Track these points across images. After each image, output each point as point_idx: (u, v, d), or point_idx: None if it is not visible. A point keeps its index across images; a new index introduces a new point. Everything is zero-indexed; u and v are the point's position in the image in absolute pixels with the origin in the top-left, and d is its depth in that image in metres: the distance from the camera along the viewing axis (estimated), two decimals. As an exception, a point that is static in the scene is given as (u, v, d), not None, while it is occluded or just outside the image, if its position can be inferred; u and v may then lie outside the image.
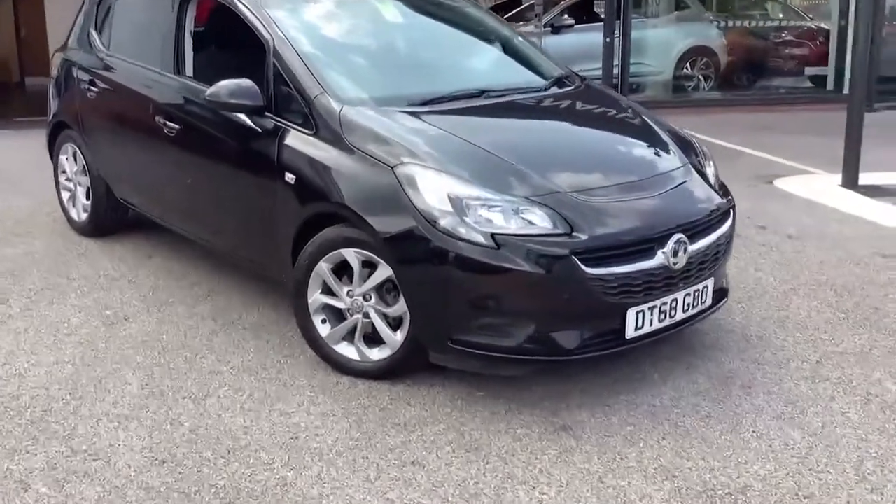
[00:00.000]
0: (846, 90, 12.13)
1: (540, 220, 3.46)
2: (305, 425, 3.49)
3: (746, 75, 14.13)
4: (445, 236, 3.42)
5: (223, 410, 3.60)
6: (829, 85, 12.84)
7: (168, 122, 4.69)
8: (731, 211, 4.01)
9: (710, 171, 4.16)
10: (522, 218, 3.46)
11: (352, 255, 3.73)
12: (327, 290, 3.88)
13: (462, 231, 3.41)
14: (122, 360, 4.06)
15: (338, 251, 3.76)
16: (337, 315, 3.91)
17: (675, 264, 3.59)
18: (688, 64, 13.74)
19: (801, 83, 13.82)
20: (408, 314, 3.65)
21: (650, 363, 3.97)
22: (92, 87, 5.43)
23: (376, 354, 3.82)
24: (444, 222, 3.43)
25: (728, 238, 3.94)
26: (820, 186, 7.39)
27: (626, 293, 3.50)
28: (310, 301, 3.89)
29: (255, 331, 4.36)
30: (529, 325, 3.45)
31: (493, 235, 3.39)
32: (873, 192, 7.21)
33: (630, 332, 3.56)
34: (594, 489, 3.08)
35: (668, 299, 3.63)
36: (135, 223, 5.78)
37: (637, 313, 3.55)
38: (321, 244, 3.80)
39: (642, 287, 3.54)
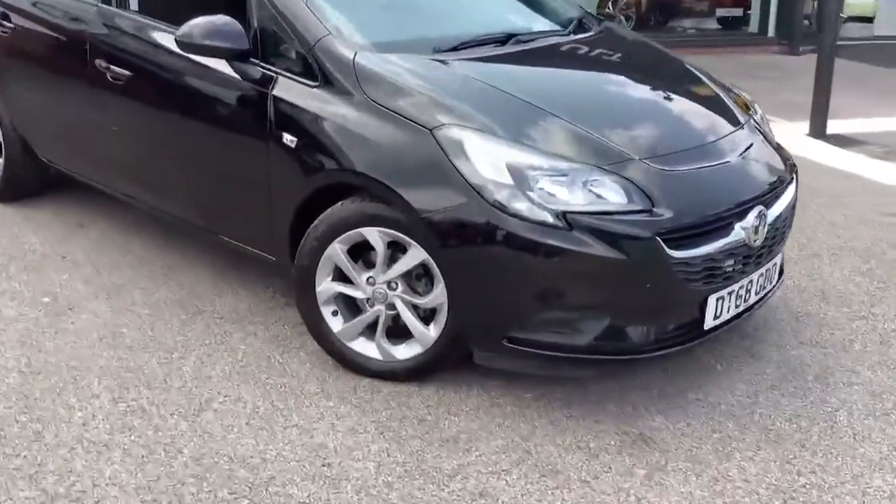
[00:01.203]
0: (771, 32, 11.96)
1: (613, 194, 2.88)
2: (335, 447, 2.85)
3: (668, 16, 13.82)
4: (504, 215, 2.81)
5: (226, 430, 2.93)
6: (754, 27, 12.62)
7: (113, 68, 3.85)
8: (795, 174, 3.52)
9: (766, 128, 3.67)
10: (591, 191, 2.87)
11: (375, 236, 3.07)
12: (340, 277, 3.22)
13: (525, 209, 2.80)
14: (80, 363, 3.30)
15: (357, 230, 3.10)
16: (352, 307, 3.27)
17: (755, 241, 3.09)
18: (609, 4, 13.32)
19: (724, 25, 13.58)
20: (445, 306, 3.03)
21: (704, 350, 3.49)
22: (5, 23, 4.48)
23: (403, 353, 3.20)
24: (501, 198, 2.82)
25: (794, 206, 3.47)
26: (787, 137, 7.05)
27: (709, 278, 2.98)
28: (318, 290, 3.22)
29: (237, 321, 3.66)
30: (603, 320, 2.90)
31: (564, 214, 2.79)
32: (842, 142, 6.94)
33: (709, 322, 3.06)
34: (708, 520, 2.58)
35: (745, 281, 3.14)
36: (55, 184, 4.89)
37: (717, 300, 3.04)
38: (335, 222, 3.12)
39: (723, 269, 3.02)
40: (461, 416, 3.05)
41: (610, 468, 2.79)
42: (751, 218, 3.07)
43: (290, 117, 3.23)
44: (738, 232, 3.04)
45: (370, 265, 3.17)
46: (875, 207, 5.31)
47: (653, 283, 2.87)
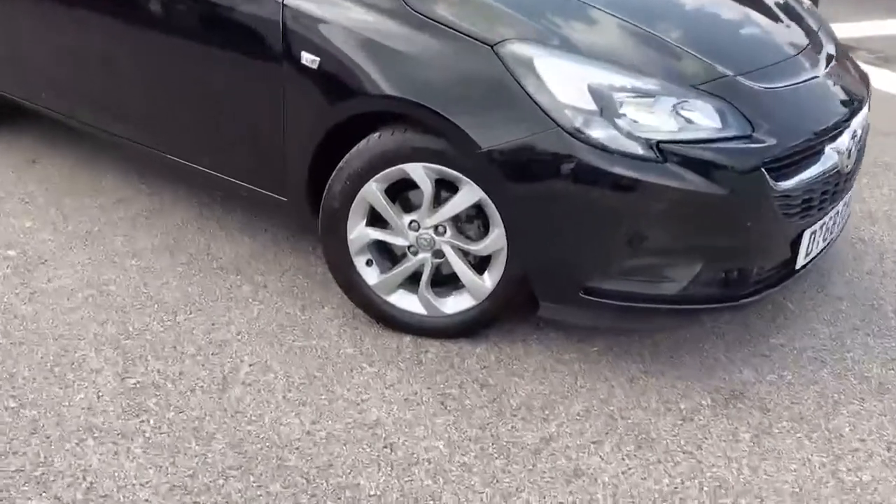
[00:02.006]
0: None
1: (706, 118, 2.47)
2: (393, 423, 2.45)
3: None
4: (586, 147, 2.38)
5: (261, 408, 2.49)
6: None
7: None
8: (869, 88, 3.16)
9: (837, 37, 3.28)
10: (681, 115, 2.46)
11: (421, 173, 2.61)
12: (375, 222, 2.76)
13: (611, 139, 2.38)
14: (69, 331, 2.80)
15: (398, 167, 2.63)
16: (389, 255, 2.82)
17: (847, 166, 2.75)
18: None
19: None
20: (504, 253, 2.62)
21: (769, 286, 3.15)
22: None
23: (452, 306, 2.78)
24: (582, 126, 2.39)
25: (867, 128, 3.12)
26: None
27: (805, 210, 2.63)
28: (351, 237, 2.77)
29: (240, 271, 3.18)
30: (695, 265, 2.52)
31: (657, 144, 2.38)
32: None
33: (801, 260, 2.72)
34: (839, 489, 2.27)
35: (833, 212, 2.79)
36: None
37: (811, 235, 2.70)
38: (372, 158, 2.65)
39: (818, 200, 2.67)
40: (526, 377, 2.66)
41: (710, 433, 2.46)
42: (845, 139, 2.72)
43: (309, 32, 2.70)
44: (832, 156, 2.68)
45: (408, 208, 2.72)
46: (891, 119, 5.03)
47: (753, 220, 2.50)
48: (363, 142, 2.67)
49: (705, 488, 2.26)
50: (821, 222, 2.72)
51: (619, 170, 2.38)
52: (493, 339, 2.83)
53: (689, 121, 2.45)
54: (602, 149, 2.37)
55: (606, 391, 2.62)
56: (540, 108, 2.41)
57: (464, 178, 2.58)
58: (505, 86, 2.44)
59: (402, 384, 2.61)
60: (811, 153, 2.62)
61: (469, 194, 2.59)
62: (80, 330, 2.80)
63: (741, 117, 2.48)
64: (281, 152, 2.91)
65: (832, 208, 2.76)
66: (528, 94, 2.42)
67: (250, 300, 2.99)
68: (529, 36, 2.48)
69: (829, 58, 2.95)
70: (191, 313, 2.91)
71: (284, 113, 2.83)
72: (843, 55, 3.11)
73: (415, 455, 2.33)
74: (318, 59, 2.69)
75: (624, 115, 2.40)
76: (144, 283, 3.07)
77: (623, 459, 2.35)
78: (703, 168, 2.40)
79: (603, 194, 2.41)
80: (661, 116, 2.43)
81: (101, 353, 2.69)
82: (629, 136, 2.38)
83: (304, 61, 2.72)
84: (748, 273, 2.59)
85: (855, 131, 2.77)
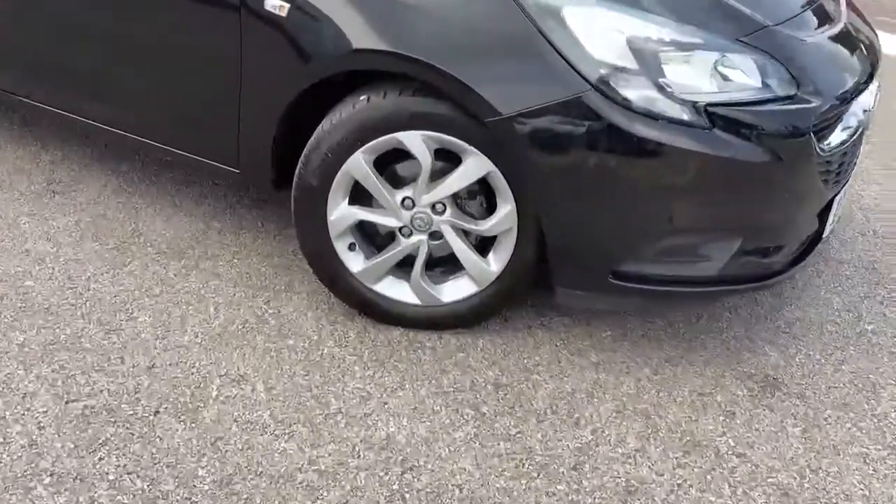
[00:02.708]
0: None
1: (748, 76, 2.16)
2: (406, 439, 2.09)
3: None
4: (625, 111, 2.04)
5: (247, 432, 2.08)
6: None
7: None
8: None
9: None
10: (719, 72, 2.14)
11: (418, 143, 2.22)
12: (359, 199, 2.36)
13: (653, 101, 2.05)
14: (-16, 342, 2.29)
15: (392, 136, 2.23)
16: (373, 238, 2.43)
17: (868, 125, 2.53)
18: None
19: None
20: (514, 233, 2.28)
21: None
22: None
23: (450, 294, 2.42)
24: (622, 88, 2.04)
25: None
26: None
27: (838, 175, 2.39)
28: (331, 219, 2.35)
29: (183, 256, 2.71)
30: (734, 242, 2.24)
31: (705, 108, 2.07)
32: None
33: (826, 229, 2.49)
34: (910, 492, 2.07)
35: (849, 178, 2.57)
36: None
37: (838, 202, 2.47)
38: (360, 125, 2.23)
39: (848, 163, 2.44)
40: (542, 373, 2.35)
41: (757, 430, 2.21)
42: (868, 98, 2.49)
43: (274, -28, 2.24)
44: (858, 114, 2.44)
45: (397, 183, 2.33)
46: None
47: (797, 189, 2.24)
48: (347, 107, 2.25)
49: (771, 498, 2.02)
50: (844, 187, 2.49)
51: (662, 138, 2.05)
52: (494, 330, 2.49)
53: (726, 78, 2.14)
54: (644, 114, 2.04)
55: (633, 385, 2.33)
56: (571, 66, 2.05)
57: (471, 148, 2.20)
58: (528, 40, 2.07)
59: (405, 390, 2.24)
60: (844, 112, 2.37)
61: (476, 167, 2.22)
62: (5, 347, 2.29)
63: (785, 74, 2.18)
64: (234, 117, 2.45)
65: (849, 174, 2.54)
66: (556, 50, 2.05)
67: (203, 292, 2.54)
68: (558, -19, 2.10)
69: (845, 6, 2.70)
70: (133, 313, 2.43)
71: (241, 70, 2.37)
72: (849, 2, 2.87)
73: (442, 482, 1.99)
74: (286, 4, 2.23)
75: (666, 73, 2.06)
76: (69, 277, 2.56)
77: (675, 469, 2.07)
78: (751, 134, 2.10)
79: (643, 166, 2.09)
80: (702, 75, 2.11)
81: (32, 370, 2.20)
82: (673, 98, 2.05)
83: (268, 7, 2.25)
84: (782, 248, 2.34)
85: (878, 85, 2.54)
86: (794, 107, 2.17)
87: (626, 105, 2.04)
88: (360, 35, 2.16)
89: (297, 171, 2.34)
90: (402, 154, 2.27)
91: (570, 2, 2.07)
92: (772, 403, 2.30)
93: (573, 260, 2.25)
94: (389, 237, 2.40)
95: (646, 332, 2.54)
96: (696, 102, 2.06)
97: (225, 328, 2.40)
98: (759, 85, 2.15)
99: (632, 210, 2.14)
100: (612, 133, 2.05)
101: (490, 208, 2.34)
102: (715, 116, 2.07)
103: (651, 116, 2.05)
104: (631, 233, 2.18)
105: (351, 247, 2.41)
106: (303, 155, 2.32)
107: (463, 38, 2.11)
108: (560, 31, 2.05)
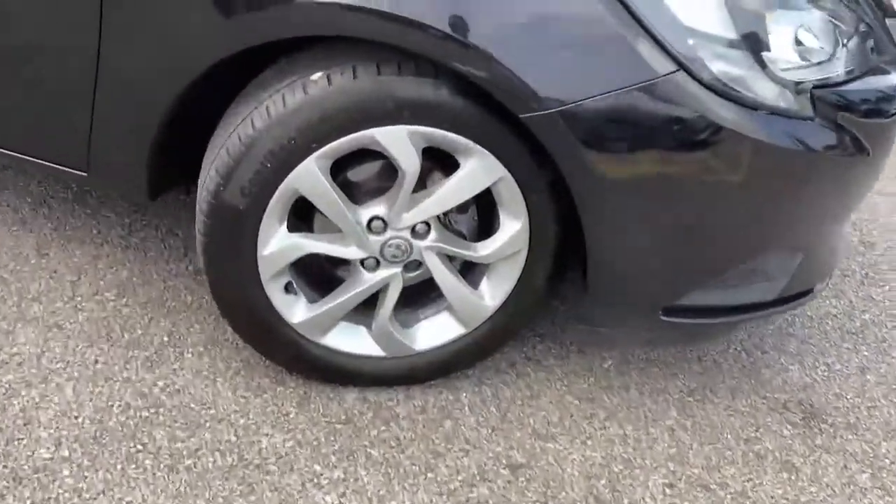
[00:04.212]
0: None
1: (824, 43, 1.62)
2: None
3: None
4: (717, 98, 1.45)
5: None
6: None
7: None
8: None
9: None
10: (797, 38, 1.59)
11: (403, 142, 1.50)
12: (300, 223, 1.61)
13: (757, 84, 1.48)
14: None
15: (365, 132, 1.48)
16: (316, 275, 1.70)
17: None
18: None
19: None
20: (522, 257, 1.65)
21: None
22: None
23: (426, 338, 1.76)
24: (720, 66, 1.44)
25: None
26: None
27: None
28: (265, 252, 1.58)
29: (20, 281, 1.81)
30: (797, 256, 1.75)
31: (811, 93, 1.53)
32: None
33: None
34: None
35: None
36: None
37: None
38: (320, 117, 1.46)
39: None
40: (557, 437, 1.77)
41: (827, 485, 1.78)
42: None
43: None
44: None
45: (354, 198, 1.60)
46: None
47: (866, 186, 1.78)
48: (290, 92, 1.47)
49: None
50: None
51: (764, 132, 1.49)
52: (473, 374, 1.87)
53: (804, 46, 1.59)
54: (742, 101, 1.46)
55: (670, 439, 1.81)
56: (651, 36, 1.40)
57: (479, 148, 1.52)
58: (590, 5, 1.39)
59: (396, 496, 1.57)
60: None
61: (484, 173, 1.55)
62: None
63: (858, 42, 1.67)
64: (87, 100, 1.57)
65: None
66: (631, 15, 1.40)
67: (55, 333, 1.69)
68: None
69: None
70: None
71: (101, 30, 1.49)
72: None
73: None
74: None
75: (772, 45, 1.48)
76: None
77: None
78: (846, 122, 1.59)
79: (736, 170, 1.52)
80: (787, 42, 1.56)
81: None
82: (775, 79, 1.49)
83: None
84: (832, 255, 1.89)
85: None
86: (878, 83, 1.67)
87: (721, 90, 1.44)
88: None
89: (206, 190, 1.53)
90: (355, 155, 1.54)
91: (647, -60, 1.42)
92: (825, 443, 1.88)
93: (619, 294, 1.66)
94: (334, 265, 1.68)
95: (647, 353, 2.02)
96: (800, 83, 1.51)
97: (98, 397, 1.58)
98: (843, 55, 1.63)
99: (714, 227, 1.58)
100: (701, 127, 1.45)
101: (483, 224, 1.69)
102: (818, 101, 1.53)
103: (749, 104, 1.47)
104: (707, 256, 1.62)
105: (288, 288, 1.66)
106: (215, 165, 1.51)
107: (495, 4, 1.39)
108: (634, -14, 1.40)
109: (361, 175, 1.61)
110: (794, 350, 2.14)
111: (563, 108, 1.41)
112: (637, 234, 1.55)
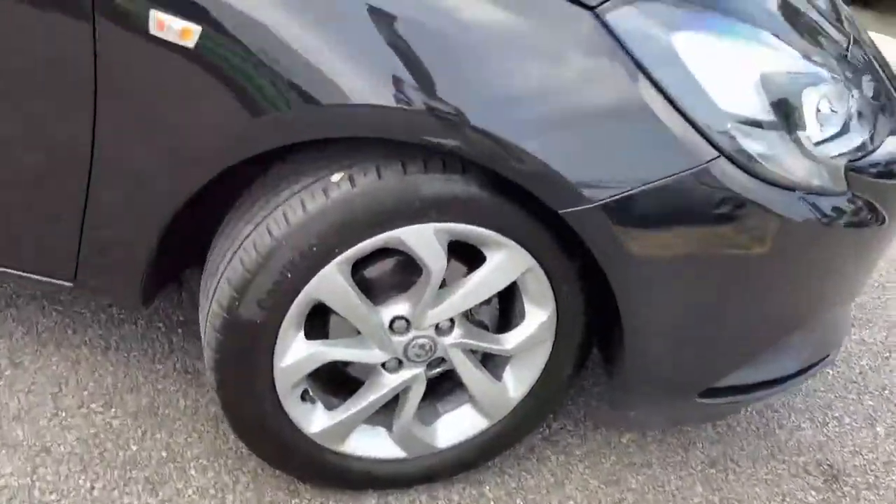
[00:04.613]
0: None
1: (841, 109, 1.57)
2: None
3: None
4: (756, 181, 1.39)
5: None
6: None
7: None
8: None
9: None
10: (819, 110, 1.54)
11: (429, 241, 1.41)
12: (313, 326, 1.50)
13: (797, 163, 1.42)
14: None
15: (391, 233, 1.38)
16: (331, 380, 1.59)
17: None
18: None
19: None
20: (548, 346, 1.58)
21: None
22: None
23: (448, 435, 1.67)
24: (758, 148, 1.39)
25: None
26: None
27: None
28: (283, 364, 1.46)
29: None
30: (821, 326, 1.72)
31: (846, 168, 1.49)
32: None
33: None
34: None
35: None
36: None
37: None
38: (344, 220, 1.35)
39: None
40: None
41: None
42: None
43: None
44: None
45: (372, 296, 1.49)
46: None
47: (878, 253, 1.75)
48: (308, 196, 1.36)
49: None
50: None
51: (803, 213, 1.44)
52: (496, 463, 1.77)
53: (827, 118, 1.54)
54: (780, 184, 1.41)
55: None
56: (692, 124, 1.34)
57: (508, 241, 1.43)
58: (629, 89, 1.32)
59: None
60: None
61: (513, 265, 1.47)
62: None
63: (871, 112, 1.64)
64: (77, 203, 1.43)
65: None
66: (670, 102, 1.33)
67: (44, 458, 1.54)
68: (659, -8, 1.36)
69: None
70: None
71: (95, 126, 1.35)
72: None
73: None
74: (195, 27, 1.26)
75: (808, 122, 1.44)
76: None
77: None
78: (877, 192, 1.56)
79: (778, 251, 1.46)
80: (812, 116, 1.51)
81: None
82: (810, 156, 1.44)
83: (156, 30, 1.27)
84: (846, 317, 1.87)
85: None
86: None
87: (760, 172, 1.39)
88: (360, 81, 1.27)
89: (217, 304, 1.41)
90: (372, 252, 1.44)
91: (684, 22, 1.35)
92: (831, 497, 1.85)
93: (658, 380, 1.59)
94: (346, 363, 1.58)
95: (687, 445, 1.96)
96: (834, 158, 1.46)
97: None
98: (865, 123, 1.59)
99: (756, 305, 1.52)
100: (743, 210, 1.39)
101: (503, 311, 1.61)
102: (853, 181, 1.50)
103: (788, 184, 1.42)
104: (749, 335, 1.56)
105: (304, 396, 1.54)
106: (227, 277, 1.39)
107: (530, 91, 1.30)
108: (672, 70, 1.33)
109: (379, 272, 1.50)
110: (802, 405, 2.11)
111: (604, 201, 1.33)
112: (680, 318, 1.48)
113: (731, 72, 1.37)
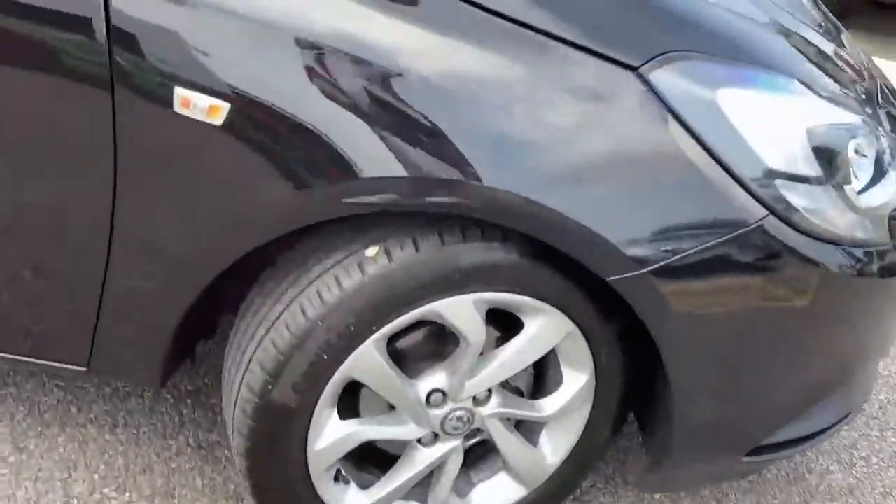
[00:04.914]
0: None
1: (871, 154, 1.54)
2: None
3: None
4: (805, 238, 1.35)
5: None
6: None
7: None
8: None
9: None
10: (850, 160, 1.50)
11: (468, 312, 1.35)
12: (346, 407, 1.43)
13: (844, 220, 1.39)
14: None
15: (429, 307, 1.32)
16: (364, 458, 1.52)
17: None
18: None
19: None
20: (587, 410, 1.52)
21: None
22: None
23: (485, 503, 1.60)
24: (806, 205, 1.34)
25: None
26: None
27: None
28: (317, 447, 1.39)
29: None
30: (856, 378, 1.69)
31: (889, 216, 1.46)
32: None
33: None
34: None
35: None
36: None
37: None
38: (382, 297, 1.29)
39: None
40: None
41: None
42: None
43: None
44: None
45: (407, 370, 1.43)
46: None
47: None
48: (350, 272, 1.29)
49: None
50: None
51: (852, 267, 1.40)
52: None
53: (857, 162, 1.51)
54: (837, 240, 1.37)
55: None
56: (740, 183, 1.30)
57: (548, 307, 1.38)
58: (670, 147, 1.27)
59: None
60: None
61: (553, 331, 1.42)
62: None
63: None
64: (94, 285, 1.35)
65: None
66: (717, 162, 1.28)
67: None
68: (697, 47, 1.31)
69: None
70: None
71: (114, 207, 1.28)
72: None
73: None
74: (223, 104, 1.19)
75: (853, 176, 1.40)
76: None
77: None
78: (912, 238, 1.53)
79: (827, 305, 1.42)
80: (846, 166, 1.47)
81: None
82: (857, 210, 1.40)
83: (184, 108, 1.19)
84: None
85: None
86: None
87: (808, 229, 1.35)
88: (384, 157, 1.21)
89: (248, 389, 1.33)
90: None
91: (727, 79, 1.31)
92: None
93: (705, 443, 1.54)
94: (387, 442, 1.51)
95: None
96: (877, 207, 1.43)
97: None
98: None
99: (806, 361, 1.48)
100: (793, 268, 1.35)
101: (538, 376, 1.55)
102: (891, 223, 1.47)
103: (836, 239, 1.38)
104: (798, 392, 1.52)
105: (337, 477, 1.47)
106: (259, 361, 1.32)
107: (581, 163, 1.25)
108: (716, 127, 1.29)
109: (412, 343, 1.44)
110: (828, 446, 2.07)
111: (653, 267, 1.28)
112: (730, 379, 1.44)
113: (775, 127, 1.33)
